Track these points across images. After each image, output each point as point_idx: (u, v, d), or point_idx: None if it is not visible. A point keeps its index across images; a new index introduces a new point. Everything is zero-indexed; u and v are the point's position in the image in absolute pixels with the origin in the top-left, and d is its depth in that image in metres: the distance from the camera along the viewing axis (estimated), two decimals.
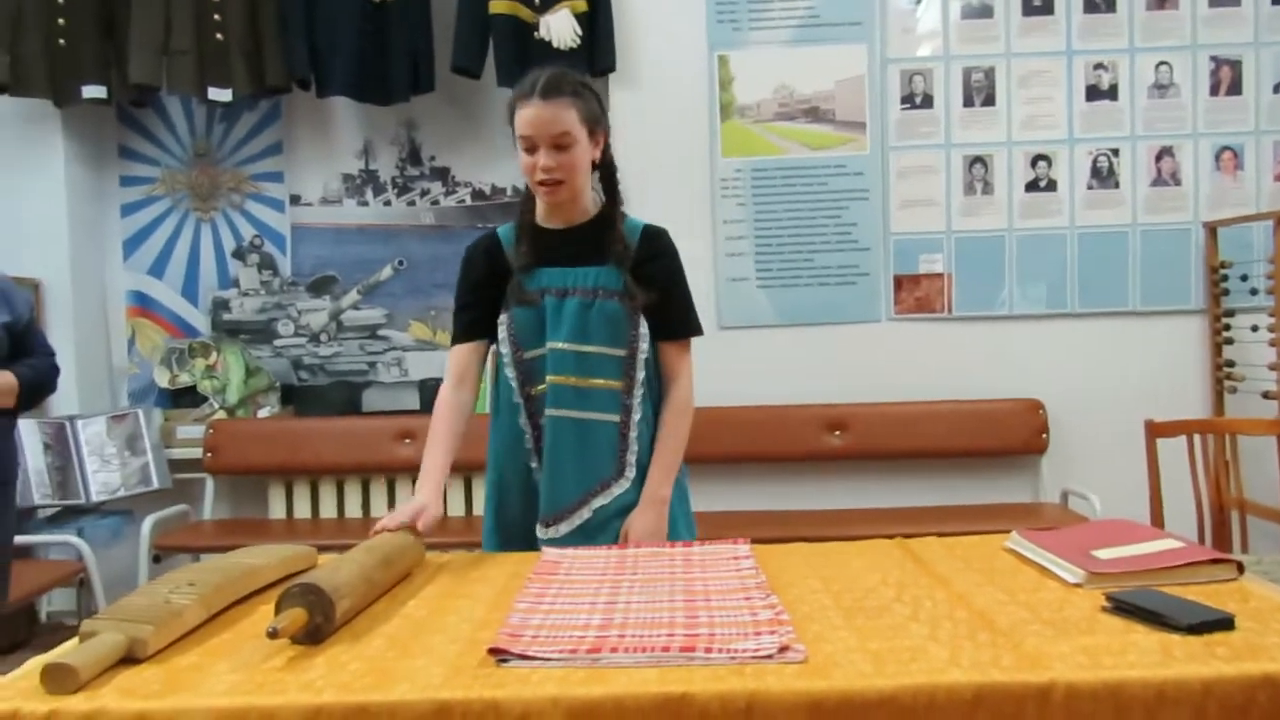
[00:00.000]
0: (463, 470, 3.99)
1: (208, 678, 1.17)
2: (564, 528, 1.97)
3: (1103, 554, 1.52)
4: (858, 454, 3.92)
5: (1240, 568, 1.46)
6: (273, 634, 1.21)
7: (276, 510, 4.08)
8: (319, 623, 1.28)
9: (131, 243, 4.40)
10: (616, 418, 1.98)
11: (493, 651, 1.20)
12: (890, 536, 3.55)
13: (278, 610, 1.28)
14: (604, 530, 1.95)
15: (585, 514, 1.97)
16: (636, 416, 1.99)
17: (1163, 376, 3.90)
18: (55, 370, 2.46)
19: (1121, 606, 1.30)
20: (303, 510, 4.07)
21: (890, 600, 1.41)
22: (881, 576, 1.55)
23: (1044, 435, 3.89)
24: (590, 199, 2.02)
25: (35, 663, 1.23)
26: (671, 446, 2.02)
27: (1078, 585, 1.44)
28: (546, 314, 1.97)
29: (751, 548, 1.76)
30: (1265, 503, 3.30)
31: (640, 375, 1.98)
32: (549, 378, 1.96)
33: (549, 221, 2.01)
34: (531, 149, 1.90)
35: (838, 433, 3.93)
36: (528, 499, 2.02)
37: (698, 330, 2.08)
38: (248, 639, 1.31)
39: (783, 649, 1.19)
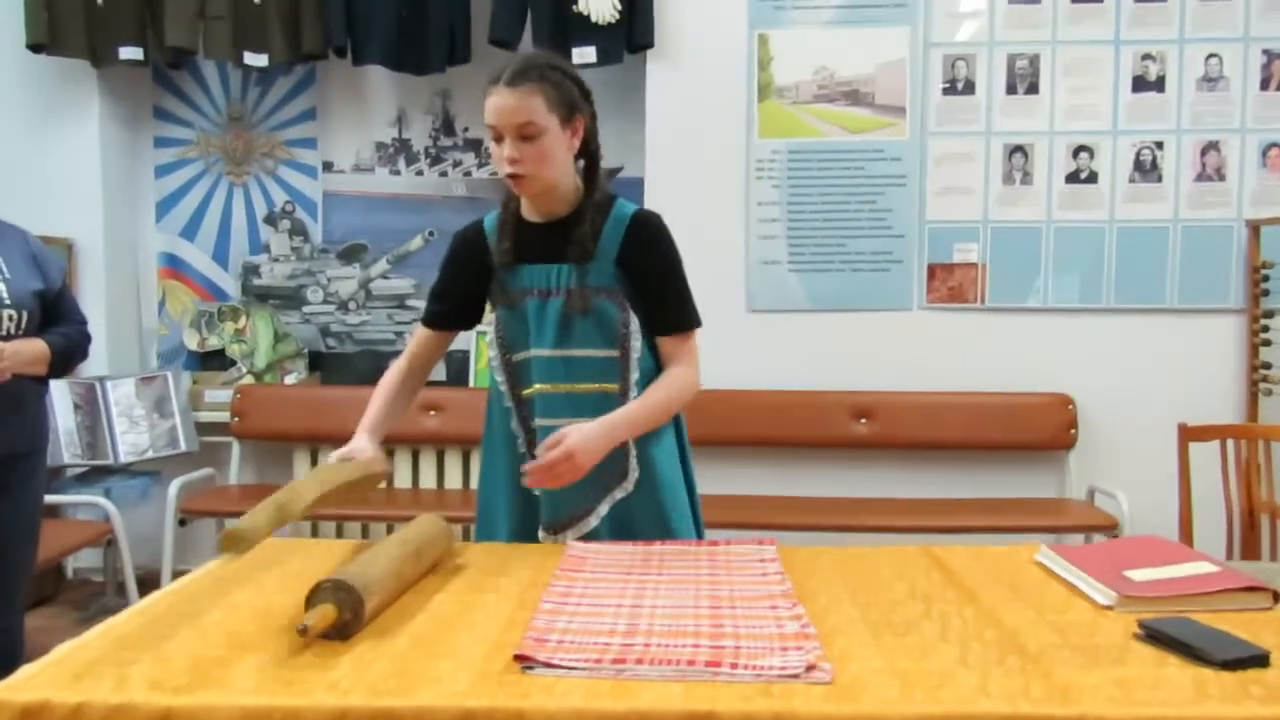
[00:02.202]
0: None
1: (234, 672, 1.17)
2: (570, 535, 1.89)
3: (1135, 575, 1.50)
4: (883, 443, 3.90)
5: (1276, 596, 1.44)
6: (303, 631, 1.22)
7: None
8: (347, 619, 1.28)
9: (164, 204, 4.41)
10: None
11: (518, 658, 1.20)
12: (914, 529, 3.57)
13: (308, 605, 1.29)
14: (610, 533, 1.88)
15: (593, 521, 1.90)
16: None
17: (1197, 375, 3.85)
18: (87, 338, 2.47)
19: (1154, 635, 1.28)
20: None
21: (918, 616, 1.40)
22: (909, 588, 1.54)
23: (1072, 431, 3.85)
24: (573, 189, 1.88)
25: (64, 648, 1.24)
26: (652, 400, 1.85)
27: (1109, 607, 1.43)
28: (529, 317, 1.87)
29: (778, 549, 1.75)
30: None
31: (634, 375, 1.87)
32: (536, 386, 1.88)
33: (532, 214, 1.89)
34: (499, 139, 1.78)
35: (864, 420, 3.90)
36: (524, 505, 1.94)
37: (696, 322, 1.92)
38: (274, 631, 1.31)
39: (810, 668, 1.18)
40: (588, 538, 1.88)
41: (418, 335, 2.01)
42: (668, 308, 1.90)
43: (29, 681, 1.14)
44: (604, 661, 1.20)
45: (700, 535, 2.00)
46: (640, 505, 1.91)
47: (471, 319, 2.00)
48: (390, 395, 1.97)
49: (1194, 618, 1.35)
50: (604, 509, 1.90)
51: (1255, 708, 1.09)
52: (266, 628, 1.33)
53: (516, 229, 1.90)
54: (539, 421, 1.89)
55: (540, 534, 1.93)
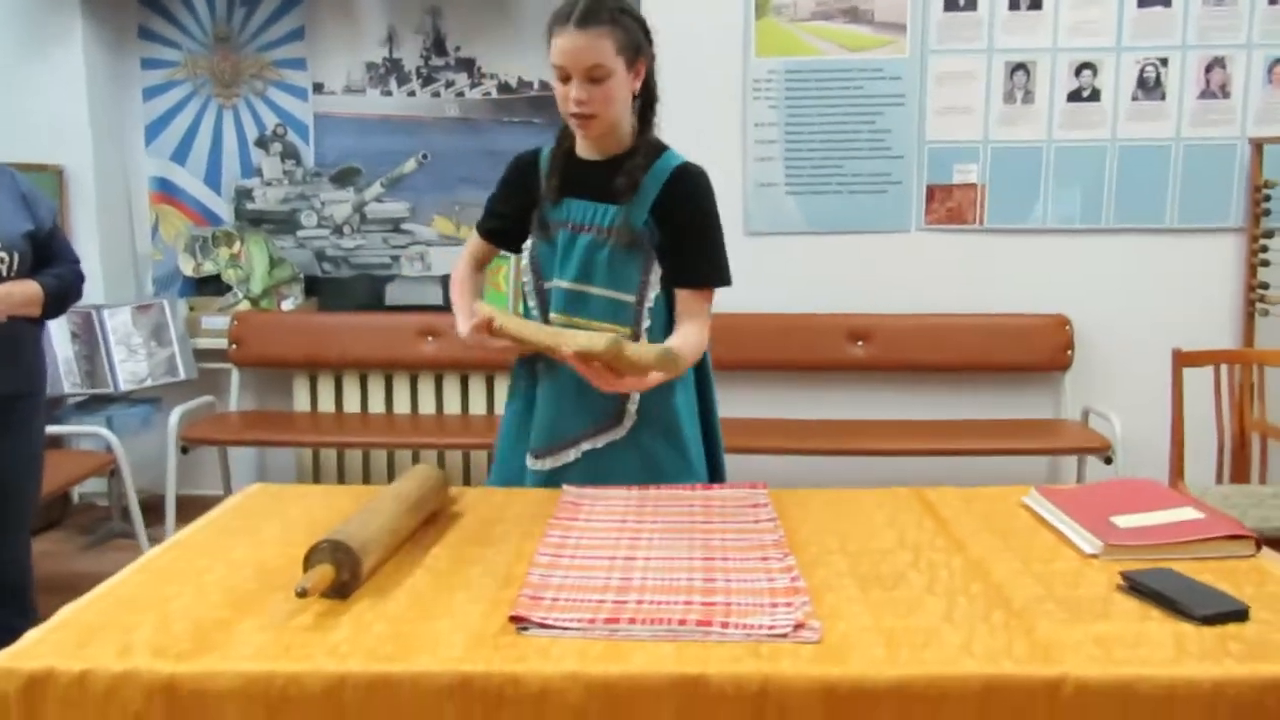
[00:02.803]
0: (484, 370, 4.02)
1: (235, 636, 1.20)
2: (549, 463, 1.93)
3: (1121, 521, 1.53)
4: (880, 365, 3.91)
5: (1258, 544, 1.47)
6: (301, 593, 1.24)
7: (301, 403, 4.12)
8: (345, 579, 1.31)
9: (154, 128, 4.34)
10: None
11: (514, 619, 1.23)
12: (911, 452, 3.60)
13: (306, 566, 1.31)
14: (589, 471, 1.89)
15: (573, 454, 1.92)
16: None
17: (1195, 295, 3.85)
18: (80, 278, 2.46)
19: (1137, 587, 1.31)
20: (326, 404, 4.12)
21: (906, 566, 1.42)
22: (899, 535, 1.56)
23: (1069, 352, 3.86)
24: (629, 130, 1.90)
25: (68, 611, 1.27)
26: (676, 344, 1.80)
27: (1094, 556, 1.45)
28: (558, 247, 1.91)
29: (770, 494, 1.77)
30: None
31: (646, 323, 1.87)
32: (551, 315, 1.91)
33: (586, 152, 1.92)
34: (565, 79, 1.79)
35: (861, 343, 3.91)
36: (523, 431, 1.99)
37: (722, 280, 1.91)
38: (274, 590, 1.34)
39: (798, 626, 1.20)
40: (563, 470, 1.92)
41: (472, 240, 2.08)
42: (694, 260, 1.88)
43: (34, 648, 1.17)
44: (597, 621, 1.22)
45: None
46: (628, 454, 1.91)
47: (517, 241, 2.02)
48: (471, 283, 2.04)
49: (1177, 567, 1.38)
50: (586, 446, 1.92)
51: (1233, 665, 1.12)
52: (266, 585, 1.36)
53: (566, 164, 1.93)
54: None
55: (527, 458, 1.97)
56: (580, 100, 1.78)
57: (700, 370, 2.01)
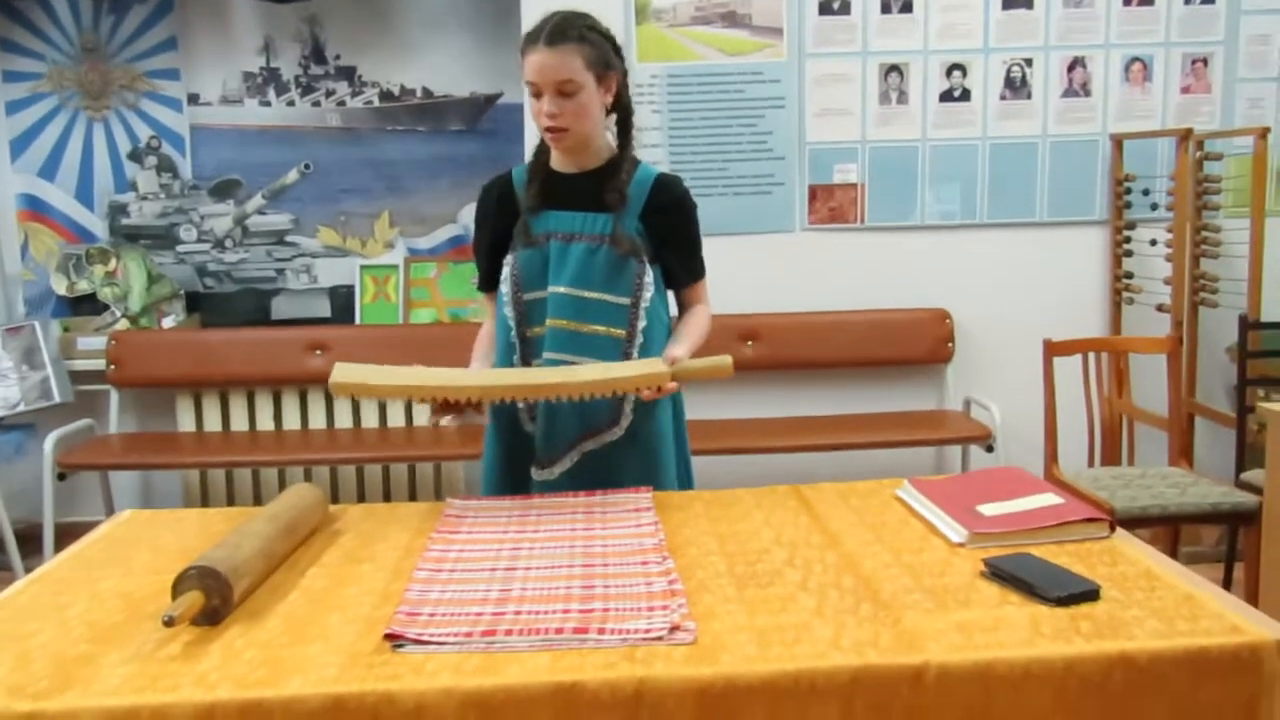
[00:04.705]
0: None
1: (99, 670, 1.17)
2: (556, 470, 1.99)
3: (987, 510, 1.59)
4: (770, 364, 3.97)
5: (1113, 526, 1.54)
6: (168, 622, 1.21)
7: (185, 423, 4.01)
8: (216, 605, 1.28)
9: (19, 143, 4.17)
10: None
11: (389, 637, 1.22)
12: (802, 448, 3.66)
13: (174, 594, 1.28)
14: (594, 473, 1.96)
15: (575, 457, 1.99)
16: None
17: (1065, 287, 4.00)
18: None
19: (998, 573, 1.37)
20: (213, 423, 4.01)
21: (782, 564, 1.46)
22: (776, 534, 1.59)
23: (950, 344, 3.98)
24: (605, 143, 2.00)
25: None
26: (701, 328, 2.05)
27: (960, 544, 1.51)
28: (550, 257, 1.96)
29: (653, 496, 1.79)
30: (1154, 410, 3.44)
31: (642, 324, 1.96)
32: (549, 321, 1.96)
33: (563, 165, 2.00)
34: (538, 94, 1.87)
35: (750, 343, 3.97)
36: (519, 440, 2.03)
37: (704, 270, 2.11)
38: (142, 620, 1.30)
39: (673, 629, 1.22)
40: (570, 474, 1.97)
41: (486, 300, 2.12)
42: (692, 260, 2.07)
43: None
44: (474, 635, 1.22)
45: (691, 486, 2.12)
46: (627, 451, 1.99)
47: None
48: (488, 343, 2.08)
49: (1037, 551, 1.44)
50: (589, 446, 1.99)
51: (1082, 644, 1.18)
52: (134, 616, 1.32)
53: (545, 177, 2.00)
54: (547, 355, 1.97)
55: (532, 470, 2.01)
56: (552, 114, 1.86)
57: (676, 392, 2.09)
